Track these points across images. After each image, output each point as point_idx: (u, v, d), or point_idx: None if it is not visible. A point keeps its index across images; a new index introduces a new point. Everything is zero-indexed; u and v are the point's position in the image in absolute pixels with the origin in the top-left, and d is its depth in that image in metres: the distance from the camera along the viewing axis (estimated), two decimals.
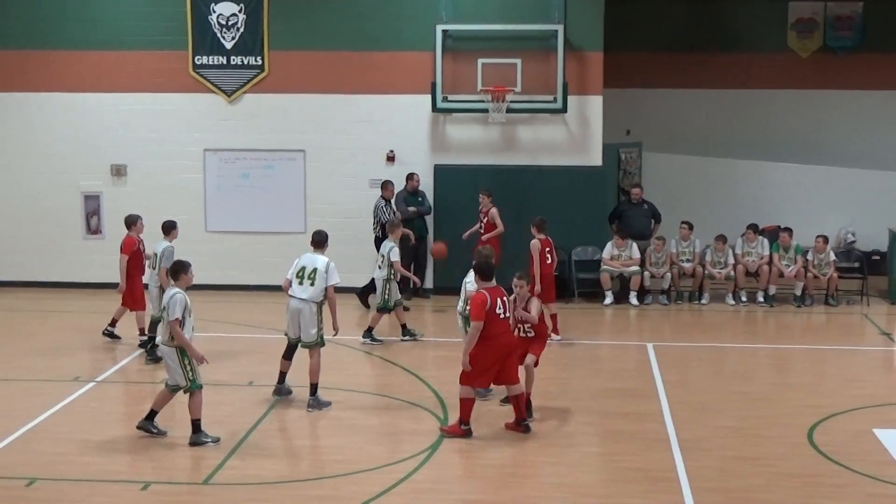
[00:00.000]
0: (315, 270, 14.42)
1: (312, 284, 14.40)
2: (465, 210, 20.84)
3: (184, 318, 12.81)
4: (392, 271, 17.45)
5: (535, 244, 17.77)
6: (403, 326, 18.05)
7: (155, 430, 13.13)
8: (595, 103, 21.47)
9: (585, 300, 21.20)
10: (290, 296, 14.49)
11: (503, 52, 21.07)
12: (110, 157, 21.99)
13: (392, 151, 21.70)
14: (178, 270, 13.25)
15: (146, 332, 16.99)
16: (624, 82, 23.22)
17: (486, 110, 21.06)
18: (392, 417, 13.97)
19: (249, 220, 21.85)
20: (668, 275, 21.06)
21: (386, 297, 17.52)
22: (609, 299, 21.04)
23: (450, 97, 21.29)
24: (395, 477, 11.93)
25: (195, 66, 21.76)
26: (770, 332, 19.93)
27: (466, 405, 13.15)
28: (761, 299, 21.15)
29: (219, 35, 21.68)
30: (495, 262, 19.21)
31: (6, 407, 14.73)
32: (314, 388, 14.42)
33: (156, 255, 16.69)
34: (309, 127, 21.76)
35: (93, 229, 22.01)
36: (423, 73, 21.29)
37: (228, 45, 21.70)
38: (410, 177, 21.25)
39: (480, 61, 21.00)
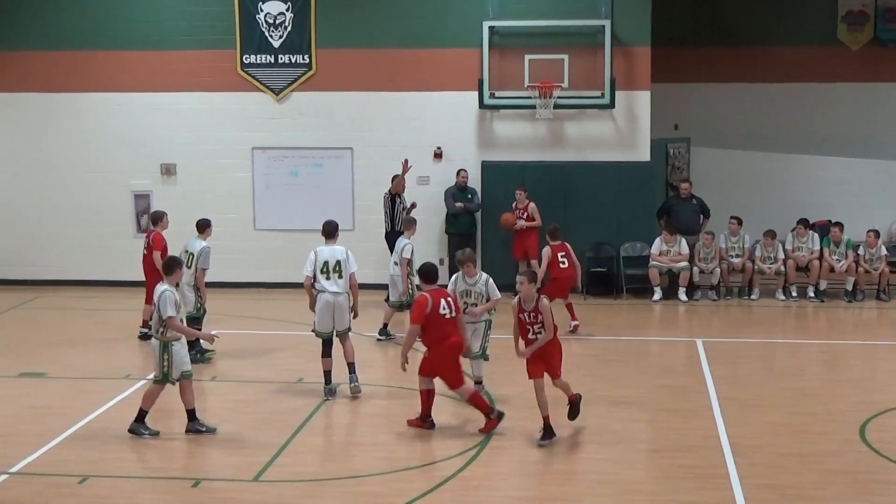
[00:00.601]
0: (339, 262, 14.70)
1: (340, 277, 14.69)
2: (512, 206, 20.81)
3: (175, 315, 13.01)
4: (411, 268, 17.27)
5: (546, 251, 17.99)
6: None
7: (146, 433, 13.23)
8: (643, 98, 21.38)
9: (634, 296, 21.12)
10: (321, 290, 14.66)
11: (550, 48, 21.02)
12: (160, 157, 22.15)
13: (439, 148, 21.72)
14: (173, 266, 13.33)
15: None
16: (672, 77, 23.09)
17: (533, 106, 21.03)
18: (440, 414, 13.96)
19: (298, 218, 21.91)
20: (718, 270, 20.94)
21: (410, 293, 17.33)
22: (657, 295, 20.95)
23: (497, 94, 21.27)
24: (443, 474, 11.95)
25: (243, 65, 21.87)
26: (821, 327, 19.78)
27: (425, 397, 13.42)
28: (812, 294, 20.99)
29: (266, 34, 21.79)
30: (533, 255, 19.36)
31: (59, 405, 14.88)
32: (353, 366, 14.84)
33: (191, 254, 16.42)
34: (356, 124, 21.82)
35: (143, 228, 22.13)
36: (470, 69, 21.28)
37: (276, 44, 21.80)
38: (459, 172, 21.25)
39: (527, 57, 20.96)
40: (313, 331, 14.89)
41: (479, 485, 11.75)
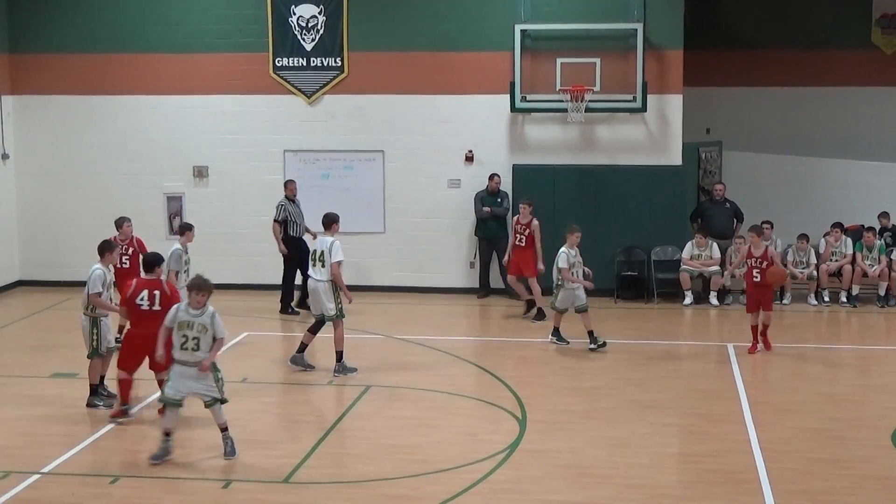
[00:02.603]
0: (323, 252, 15.83)
1: (323, 266, 15.82)
2: (544, 210, 20.71)
3: (103, 291, 14.10)
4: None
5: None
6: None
7: (101, 403, 14.33)
8: (675, 102, 21.32)
9: (665, 300, 21.07)
10: (309, 276, 16.24)
11: (582, 52, 20.99)
12: (192, 159, 22.26)
13: (471, 151, 21.72)
14: (104, 250, 14.47)
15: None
16: (704, 80, 23.02)
17: (564, 110, 21.00)
18: (470, 417, 13.98)
19: None
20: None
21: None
22: (689, 299, 20.89)
23: (528, 97, 21.27)
24: (473, 477, 11.95)
25: (275, 68, 21.95)
26: (853, 332, 19.68)
27: (123, 386, 13.78)
28: (844, 299, 20.89)
29: (299, 37, 21.85)
30: (528, 273, 19.54)
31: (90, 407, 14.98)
32: (339, 355, 15.94)
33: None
34: (388, 127, 21.86)
35: (175, 230, 22.25)
36: (502, 72, 21.28)
37: (308, 47, 21.86)
38: (492, 177, 21.22)
39: (559, 61, 20.93)
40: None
41: (510, 488, 11.75)
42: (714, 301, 20.82)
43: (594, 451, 12.79)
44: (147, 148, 22.30)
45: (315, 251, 16.07)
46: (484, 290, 21.53)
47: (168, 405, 12.46)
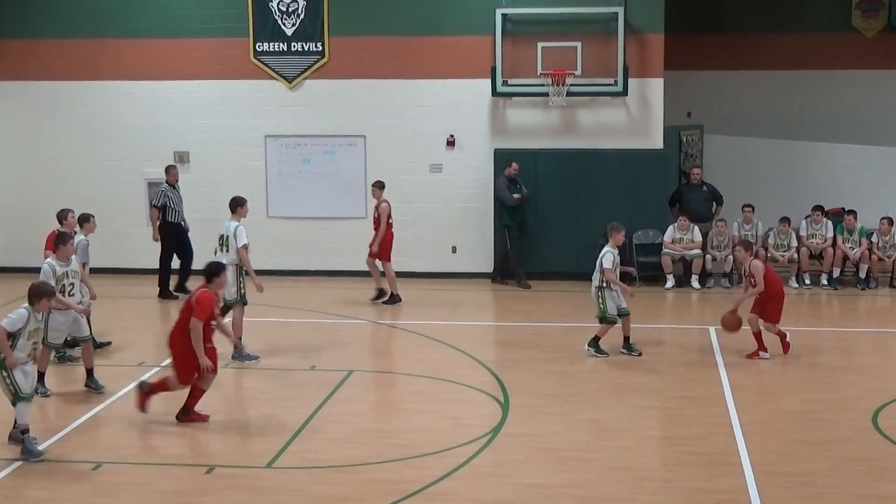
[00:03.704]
0: (227, 237, 16.02)
1: (227, 250, 15.97)
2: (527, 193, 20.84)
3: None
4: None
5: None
6: None
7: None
8: (656, 86, 21.34)
9: (646, 284, 21.10)
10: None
11: (563, 36, 20.99)
12: (173, 145, 22.19)
13: (452, 136, 21.71)
14: (58, 242, 14.34)
15: None
16: (685, 64, 23.04)
17: (546, 94, 21.01)
18: (453, 402, 13.99)
19: (310, 206, 21.96)
20: (731, 258, 20.90)
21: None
22: (670, 283, 20.95)
23: (510, 81, 21.25)
24: (455, 461, 11.97)
25: (256, 53, 21.89)
26: (834, 315, 19.76)
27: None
28: (825, 282, 20.97)
29: (279, 21, 21.79)
30: (385, 256, 19.47)
31: (72, 392, 14.94)
32: (238, 341, 15.80)
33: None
34: (369, 112, 21.83)
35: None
36: (483, 57, 21.27)
37: (289, 32, 21.80)
38: (509, 163, 20.98)
39: (540, 45, 20.93)
40: None
41: (492, 472, 11.77)
42: (696, 284, 20.88)
43: (576, 435, 12.82)
44: (127, 134, 22.22)
45: (221, 235, 16.19)
46: (502, 277, 21.33)
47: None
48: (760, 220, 21.34)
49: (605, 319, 15.95)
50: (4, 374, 11.88)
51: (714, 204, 21.80)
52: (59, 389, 14.88)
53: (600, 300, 15.89)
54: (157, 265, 20.79)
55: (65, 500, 11.13)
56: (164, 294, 20.38)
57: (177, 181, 20.57)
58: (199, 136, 22.14)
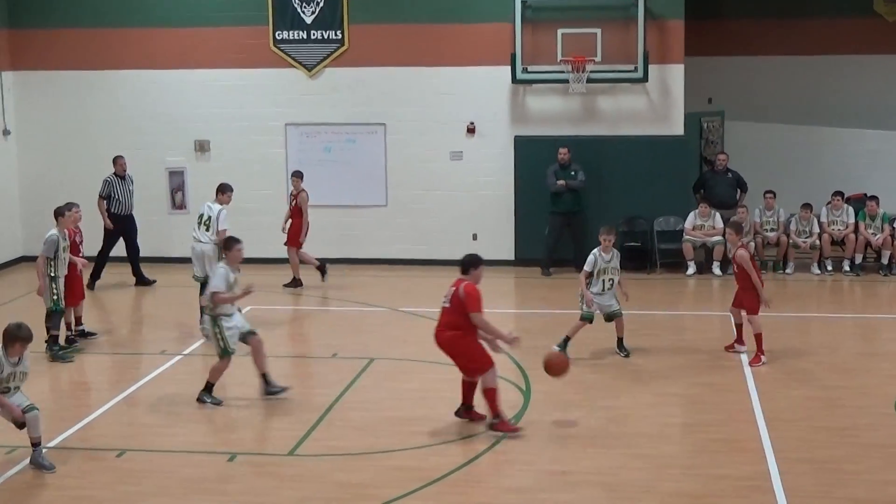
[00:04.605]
0: (210, 217, 17.03)
1: (208, 229, 16.99)
2: (545, 181, 20.80)
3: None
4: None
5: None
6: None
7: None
8: (676, 72, 21.28)
9: (667, 270, 21.07)
10: (195, 240, 17.16)
11: (583, 22, 20.93)
12: (194, 133, 22.24)
13: (472, 123, 21.69)
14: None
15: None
16: (706, 50, 22.94)
17: (566, 81, 20.97)
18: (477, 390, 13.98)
19: (331, 194, 21.97)
20: (752, 244, 20.84)
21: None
22: (692, 269, 20.90)
23: (529, 68, 21.21)
24: (478, 448, 11.99)
25: (276, 41, 21.91)
26: (856, 301, 19.69)
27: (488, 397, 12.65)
28: (847, 268, 20.89)
29: (299, 9, 21.79)
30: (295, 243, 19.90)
31: (96, 379, 15.06)
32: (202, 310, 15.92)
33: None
34: (389, 100, 21.82)
35: (177, 205, 22.31)
36: (503, 44, 21.23)
37: (308, 20, 21.80)
38: (559, 150, 20.92)
39: (560, 31, 20.88)
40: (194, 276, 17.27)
41: (514, 459, 11.79)
42: (717, 271, 20.83)
43: (598, 422, 12.83)
44: (148, 122, 22.28)
45: (202, 215, 17.21)
46: (548, 266, 21.21)
47: None
48: (782, 207, 21.27)
49: (584, 317, 15.45)
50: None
51: (738, 191, 21.72)
52: (80, 379, 14.99)
53: (580, 299, 15.44)
54: (181, 254, 20.92)
55: (89, 487, 11.20)
56: (91, 286, 19.85)
57: (125, 171, 20.66)
58: (219, 124, 22.17)
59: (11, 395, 11.42)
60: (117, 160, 20.63)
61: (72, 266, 15.98)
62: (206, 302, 13.53)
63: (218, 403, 13.42)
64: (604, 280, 15.28)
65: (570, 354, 14.70)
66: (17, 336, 11.30)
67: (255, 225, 21.72)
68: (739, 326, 15.67)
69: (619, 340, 15.69)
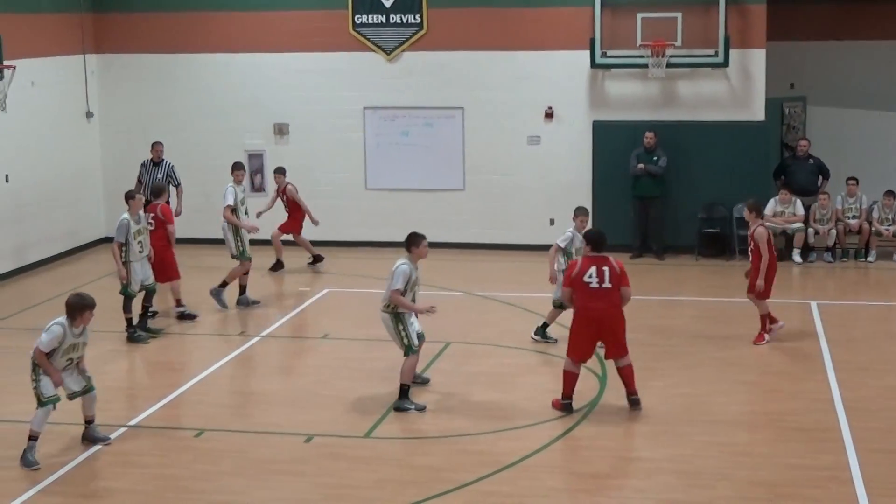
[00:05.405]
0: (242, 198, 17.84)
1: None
2: (624, 168, 20.68)
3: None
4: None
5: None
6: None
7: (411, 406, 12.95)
8: (758, 57, 21.02)
9: (746, 257, 20.81)
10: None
11: (663, 6, 20.74)
12: (273, 117, 22.38)
13: (550, 108, 21.61)
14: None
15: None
16: (788, 34, 22.63)
17: (645, 65, 20.79)
18: (549, 374, 13.96)
19: (408, 178, 22.01)
20: (834, 231, 20.58)
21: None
22: None
23: (608, 52, 21.07)
24: (552, 433, 11.99)
25: (355, 25, 21.96)
26: None
27: (567, 379, 12.70)
28: None
29: None
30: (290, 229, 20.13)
31: (176, 361, 15.25)
32: (221, 286, 17.49)
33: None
34: (467, 84, 21.80)
35: (256, 187, 22.45)
36: (582, 28, 21.11)
37: (387, 4, 21.82)
38: (645, 134, 20.80)
39: (640, 16, 20.70)
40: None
41: (589, 445, 11.77)
42: (797, 258, 20.57)
43: (673, 409, 12.76)
44: (228, 106, 22.46)
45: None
46: (638, 250, 21.16)
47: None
48: (864, 194, 20.95)
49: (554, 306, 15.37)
50: (35, 377, 11.43)
51: (820, 177, 21.43)
52: (159, 359, 15.18)
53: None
54: (258, 236, 21.13)
55: (169, 465, 11.37)
56: None
57: (161, 158, 20.58)
58: (298, 108, 22.29)
59: (73, 371, 11.66)
60: (154, 146, 20.72)
61: (160, 243, 16.51)
62: (386, 300, 13.02)
63: (422, 409, 12.86)
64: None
65: (646, 343, 14.65)
66: (84, 304, 11.53)
67: (331, 208, 21.86)
68: (763, 315, 15.56)
69: (546, 325, 15.50)
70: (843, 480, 10.69)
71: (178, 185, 20.66)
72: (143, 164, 20.73)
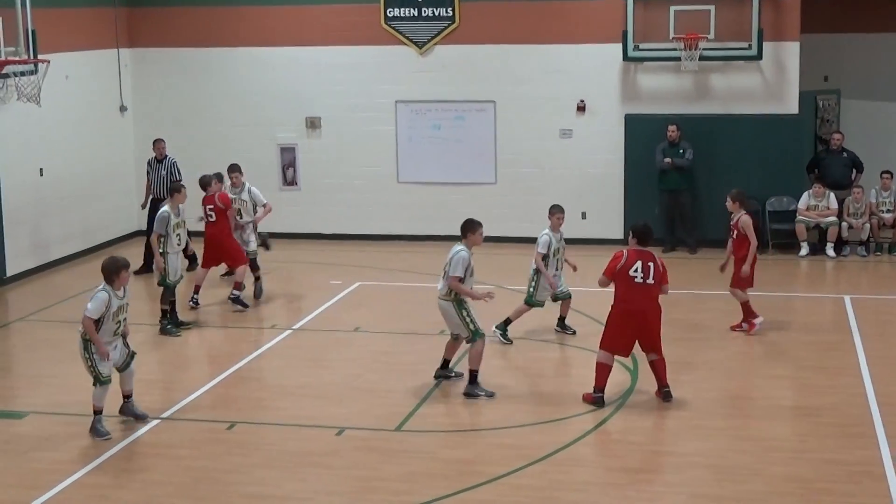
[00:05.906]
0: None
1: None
2: (653, 160, 20.63)
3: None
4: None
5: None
6: None
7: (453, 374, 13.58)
8: (791, 49, 20.90)
9: (780, 251, 20.76)
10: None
11: None
12: (305, 110, 22.43)
13: (582, 101, 21.56)
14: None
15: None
16: (822, 27, 22.48)
17: (678, 58, 20.71)
18: (581, 368, 13.93)
19: (440, 171, 22.01)
20: (868, 225, 20.44)
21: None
22: (805, 250, 20.56)
23: (641, 45, 21.00)
24: (583, 427, 11.98)
25: (387, 19, 21.98)
26: None
27: (600, 371, 12.69)
28: None
29: None
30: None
31: (209, 353, 15.34)
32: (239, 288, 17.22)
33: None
34: (499, 77, 21.77)
35: (289, 181, 22.52)
36: (614, 21, 21.05)
37: None
38: (668, 127, 20.76)
39: (672, 8, 20.61)
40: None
41: (620, 439, 11.76)
42: (831, 252, 20.46)
43: (706, 403, 12.72)
44: (261, 99, 22.52)
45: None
46: (670, 244, 21.09)
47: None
48: None
49: (529, 302, 15.30)
50: (87, 355, 11.74)
51: (854, 171, 21.30)
52: (191, 352, 15.27)
53: (532, 283, 15.25)
54: (292, 229, 21.34)
55: (201, 457, 11.43)
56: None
57: (164, 155, 20.08)
58: (330, 101, 22.33)
59: (118, 340, 12.01)
60: (156, 143, 20.34)
61: (225, 231, 17.03)
62: (444, 289, 13.06)
63: (491, 395, 12.93)
64: (558, 260, 15.26)
65: (678, 337, 14.61)
66: (119, 265, 11.93)
67: (363, 202, 21.92)
68: (745, 303, 15.54)
69: (562, 319, 15.63)
70: (876, 476, 10.63)
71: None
72: (148, 163, 20.50)
